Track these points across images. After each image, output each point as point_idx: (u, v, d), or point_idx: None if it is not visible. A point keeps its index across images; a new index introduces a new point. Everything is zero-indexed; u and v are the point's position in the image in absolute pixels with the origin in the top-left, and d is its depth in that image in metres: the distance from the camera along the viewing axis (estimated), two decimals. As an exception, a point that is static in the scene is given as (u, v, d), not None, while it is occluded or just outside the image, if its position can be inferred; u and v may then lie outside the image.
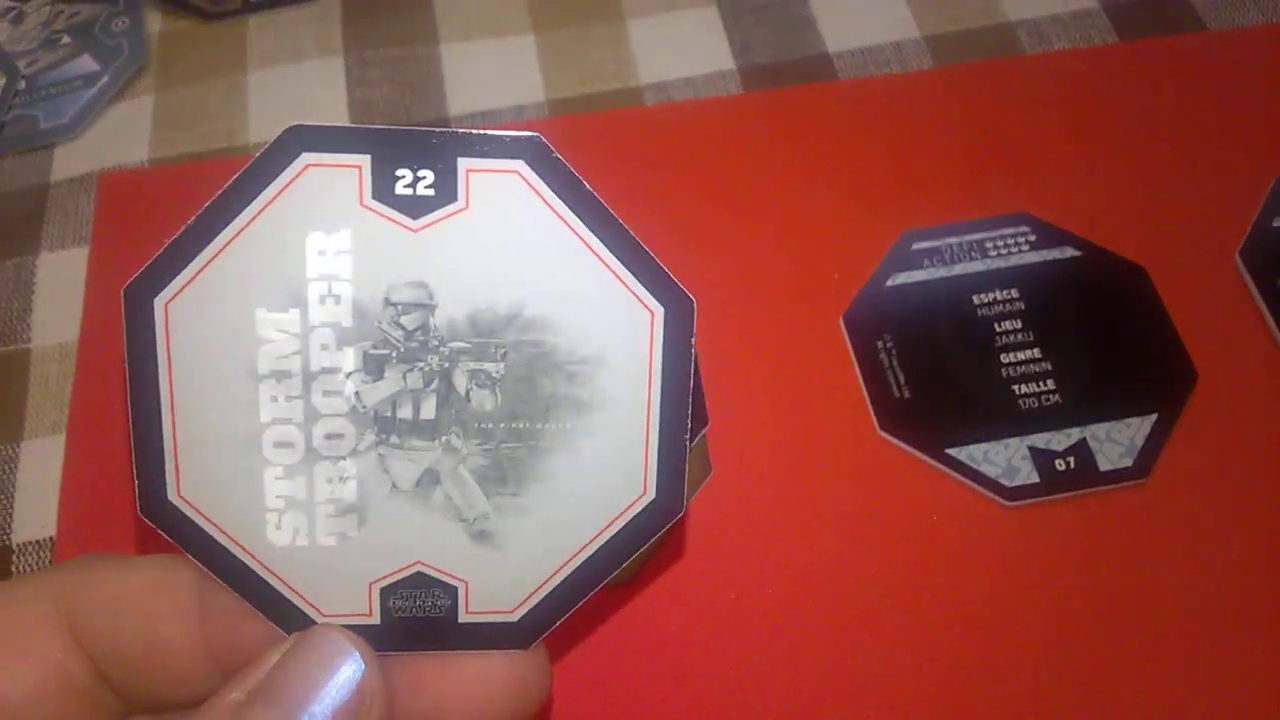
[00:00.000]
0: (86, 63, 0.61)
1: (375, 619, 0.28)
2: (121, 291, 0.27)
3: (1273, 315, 0.50)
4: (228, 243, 0.27)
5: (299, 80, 0.60)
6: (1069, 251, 0.51)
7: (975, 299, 0.50)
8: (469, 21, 0.62)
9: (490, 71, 0.60)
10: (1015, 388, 0.48)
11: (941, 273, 0.51)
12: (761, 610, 0.44)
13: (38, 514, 0.48)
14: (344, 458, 0.28)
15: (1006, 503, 0.46)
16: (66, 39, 0.62)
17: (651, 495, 0.29)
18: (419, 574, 0.28)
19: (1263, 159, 0.54)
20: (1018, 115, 0.56)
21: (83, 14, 0.63)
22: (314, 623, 0.28)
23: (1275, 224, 0.52)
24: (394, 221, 0.27)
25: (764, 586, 0.45)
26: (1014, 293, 0.50)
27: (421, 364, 0.28)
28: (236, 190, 0.27)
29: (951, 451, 0.47)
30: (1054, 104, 0.57)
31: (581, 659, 0.44)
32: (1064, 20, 0.60)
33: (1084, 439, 0.47)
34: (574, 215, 0.28)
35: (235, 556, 0.28)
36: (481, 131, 0.28)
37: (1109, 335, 0.49)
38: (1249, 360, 0.49)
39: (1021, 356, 0.49)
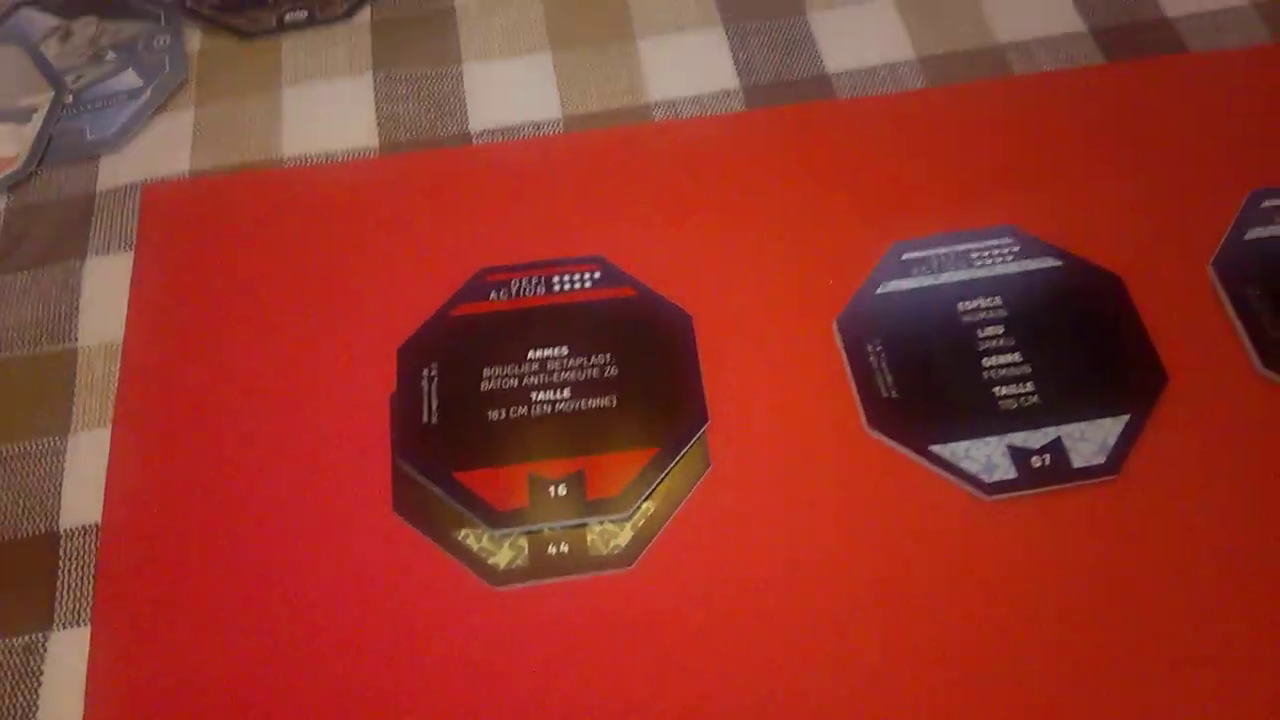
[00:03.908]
0: (130, 78, 0.65)
1: None
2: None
3: (1242, 322, 0.53)
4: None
5: (330, 96, 0.64)
6: (1049, 262, 0.54)
7: (960, 306, 0.53)
8: (490, 42, 0.65)
9: (510, 89, 0.64)
10: (996, 389, 0.51)
11: (929, 281, 0.54)
12: (756, 597, 0.48)
13: (84, 502, 0.51)
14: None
15: (986, 496, 0.49)
16: (111, 55, 0.66)
17: None
18: None
19: (1238, 174, 0.57)
20: (1005, 132, 0.59)
21: (126, 31, 0.67)
22: None
23: (1248, 236, 0.55)
24: None
25: (759, 574, 0.48)
26: (997, 300, 0.53)
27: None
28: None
29: (935, 448, 0.50)
30: (1040, 122, 0.60)
31: (581, 646, 0.47)
32: (1052, 42, 0.63)
33: (1059, 437, 0.50)
34: None
35: None
36: None
37: (1085, 340, 0.52)
38: (1217, 365, 0.52)
39: (1002, 360, 0.52)
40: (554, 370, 0.53)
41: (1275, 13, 0.64)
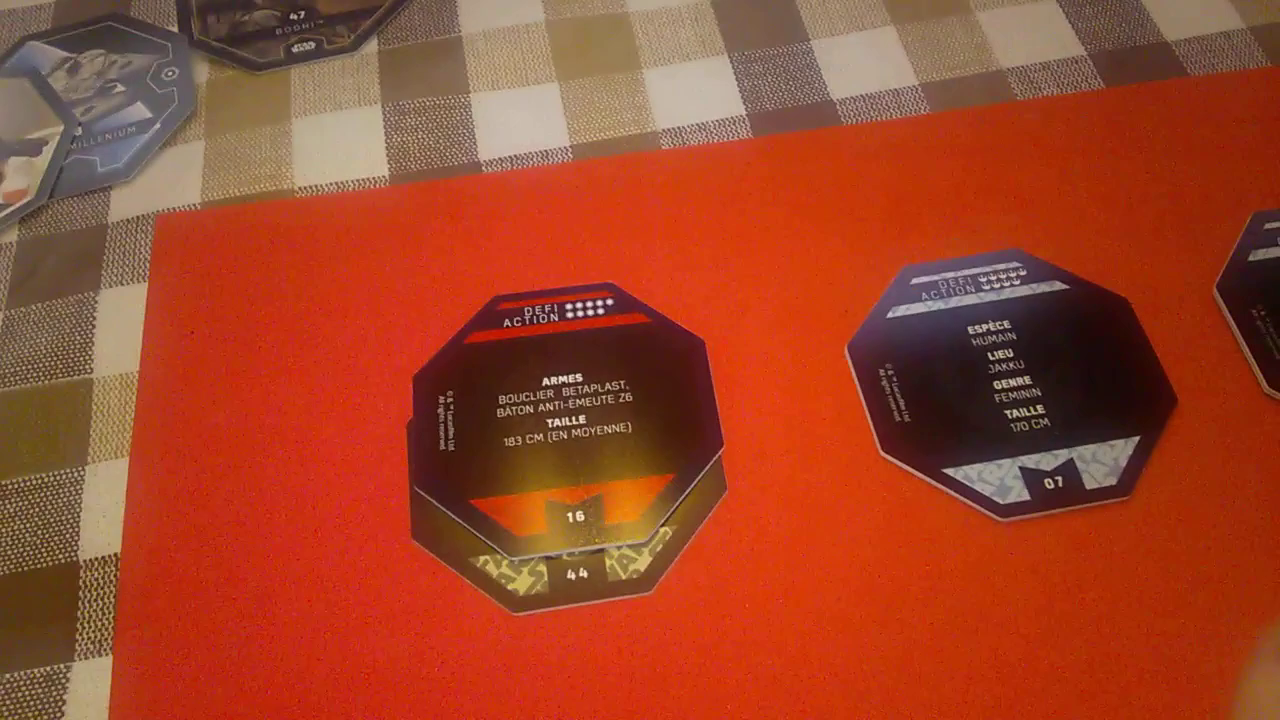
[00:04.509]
0: (139, 110, 0.66)
1: None
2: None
3: (1248, 343, 0.53)
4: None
5: (339, 127, 0.65)
6: (1057, 285, 0.55)
7: (970, 330, 0.54)
8: (498, 72, 0.66)
9: (518, 118, 0.64)
10: (1007, 412, 0.52)
11: (939, 305, 0.55)
12: (774, 620, 0.48)
13: (103, 533, 0.52)
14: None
15: (999, 519, 0.49)
16: (120, 88, 0.67)
17: None
18: None
19: (1240, 196, 0.58)
20: (1010, 157, 0.60)
21: (135, 64, 0.68)
22: None
23: (1252, 258, 0.56)
24: None
25: (776, 597, 0.48)
26: (1006, 324, 0.54)
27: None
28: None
29: (948, 471, 0.51)
30: (1043, 146, 0.60)
31: (601, 671, 0.47)
32: (1053, 67, 0.64)
33: (1071, 459, 0.50)
34: None
35: None
36: None
37: (1094, 363, 0.53)
38: (1225, 386, 0.53)
39: (1013, 383, 0.53)
40: (569, 397, 0.53)
41: (1272, 36, 0.65)
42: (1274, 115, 0.61)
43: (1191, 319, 0.55)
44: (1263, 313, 0.54)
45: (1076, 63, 0.64)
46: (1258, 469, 0.51)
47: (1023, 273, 0.56)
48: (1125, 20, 0.66)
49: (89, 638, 0.49)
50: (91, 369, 0.56)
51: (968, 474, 0.50)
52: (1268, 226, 0.57)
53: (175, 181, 0.63)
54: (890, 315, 0.55)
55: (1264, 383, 0.52)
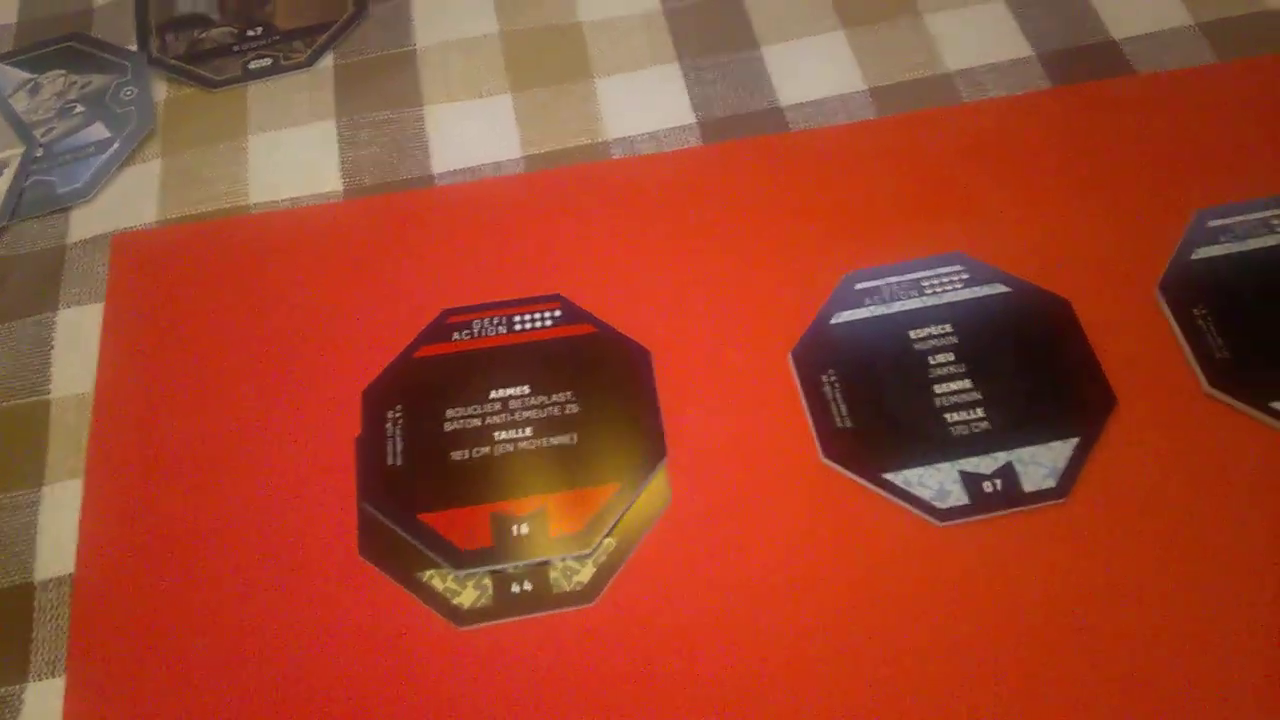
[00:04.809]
0: (98, 130, 0.66)
1: None
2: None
3: (1189, 342, 0.54)
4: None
5: (295, 143, 0.65)
6: (999, 288, 0.56)
7: (912, 334, 0.55)
8: (451, 84, 0.67)
9: (471, 130, 0.65)
10: (948, 416, 0.52)
11: (881, 310, 0.55)
12: (717, 628, 0.48)
13: (58, 553, 0.52)
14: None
15: (939, 523, 0.50)
16: (80, 108, 0.67)
17: None
18: None
19: (1184, 194, 0.59)
20: (953, 160, 0.60)
21: (94, 84, 0.68)
22: None
23: (1195, 256, 0.56)
24: None
25: (719, 606, 0.49)
26: (948, 328, 0.55)
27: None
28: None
29: (888, 476, 0.51)
30: (987, 148, 0.61)
31: (545, 683, 0.48)
32: (1000, 69, 0.64)
33: (1010, 462, 0.51)
34: None
35: None
36: None
37: (1034, 365, 0.53)
38: (1165, 385, 0.53)
39: (954, 387, 0.53)
40: (516, 409, 0.54)
41: (1220, 31, 0.65)
42: (1218, 111, 0.61)
43: (1133, 319, 0.55)
44: (1204, 311, 0.54)
45: (1024, 63, 0.65)
46: (1196, 469, 0.51)
47: (964, 276, 0.56)
48: (1072, 20, 0.66)
49: (43, 658, 0.50)
50: (49, 390, 0.57)
51: (907, 478, 0.51)
52: (1210, 224, 0.57)
53: (134, 201, 0.63)
54: (834, 321, 0.55)
55: (1204, 382, 0.53)
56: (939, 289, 0.56)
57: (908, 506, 0.50)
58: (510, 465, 0.52)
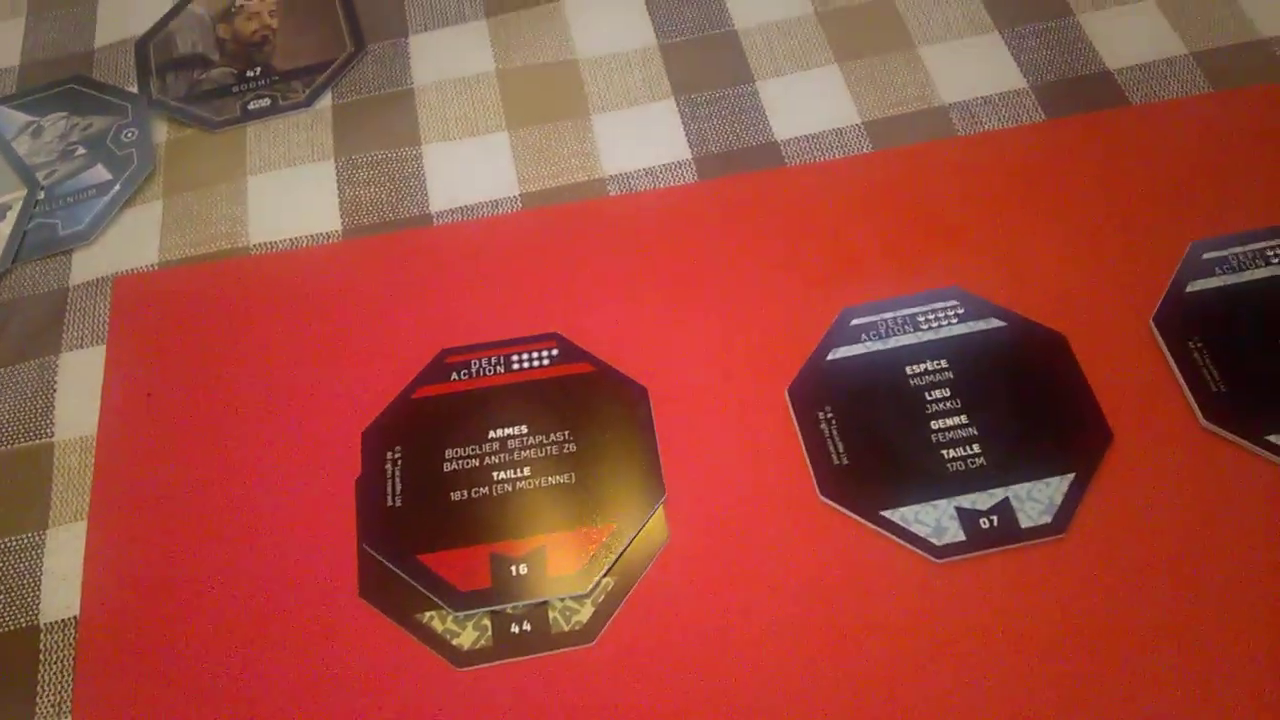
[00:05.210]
0: (100, 172, 0.67)
1: None
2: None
3: (1184, 376, 0.54)
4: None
5: (294, 182, 0.66)
6: (994, 322, 0.56)
7: (908, 370, 0.55)
8: (448, 123, 0.67)
9: (468, 169, 0.65)
10: (944, 452, 0.52)
11: (878, 346, 0.56)
12: (716, 667, 0.49)
13: (63, 596, 0.53)
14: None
15: (936, 559, 0.50)
16: (81, 150, 0.68)
17: None
18: None
19: (1178, 226, 0.59)
20: (948, 193, 0.61)
21: (95, 126, 0.69)
22: None
23: (1190, 289, 0.56)
24: None
25: (718, 644, 0.49)
26: (943, 363, 0.55)
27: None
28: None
29: (886, 513, 0.51)
30: (981, 182, 0.61)
31: (545, 717, 0.48)
32: (994, 101, 0.65)
33: (1007, 498, 0.51)
34: None
35: None
36: None
37: (1030, 400, 0.53)
38: (1161, 420, 0.53)
39: (950, 423, 0.53)
40: (514, 449, 0.54)
41: (1214, 60, 0.65)
42: (1213, 142, 0.61)
43: (1128, 353, 0.55)
44: (1199, 344, 0.54)
45: (1019, 95, 0.65)
46: (1192, 503, 0.51)
47: (960, 310, 0.56)
48: (1067, 51, 0.67)
49: (49, 701, 0.50)
50: (52, 433, 0.57)
51: (905, 515, 0.51)
52: (1205, 256, 0.57)
53: (135, 242, 0.64)
54: (830, 358, 0.56)
55: (1200, 415, 0.53)
56: (935, 324, 0.56)
57: (905, 544, 0.50)
58: (509, 505, 0.53)
